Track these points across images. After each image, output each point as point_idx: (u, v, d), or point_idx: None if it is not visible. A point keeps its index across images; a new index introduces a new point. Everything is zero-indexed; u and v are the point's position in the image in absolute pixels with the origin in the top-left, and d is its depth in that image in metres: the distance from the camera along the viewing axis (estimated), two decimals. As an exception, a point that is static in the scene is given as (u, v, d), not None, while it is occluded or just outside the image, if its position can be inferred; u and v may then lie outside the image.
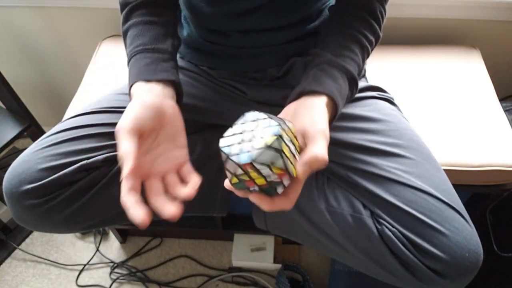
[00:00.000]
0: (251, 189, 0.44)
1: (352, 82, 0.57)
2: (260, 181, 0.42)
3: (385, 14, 0.63)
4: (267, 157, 0.40)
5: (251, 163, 0.40)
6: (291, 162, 0.43)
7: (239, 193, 0.46)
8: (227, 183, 0.46)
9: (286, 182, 0.44)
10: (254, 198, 0.45)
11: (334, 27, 0.61)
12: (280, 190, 0.44)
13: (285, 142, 0.42)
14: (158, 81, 0.54)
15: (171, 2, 0.64)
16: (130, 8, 0.61)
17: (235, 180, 0.43)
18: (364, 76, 0.76)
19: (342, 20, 0.60)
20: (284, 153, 0.41)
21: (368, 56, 0.62)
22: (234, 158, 0.41)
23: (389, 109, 0.67)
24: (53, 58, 1.27)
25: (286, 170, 0.42)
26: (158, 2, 0.61)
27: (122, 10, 0.62)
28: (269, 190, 0.44)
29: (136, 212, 0.41)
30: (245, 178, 0.42)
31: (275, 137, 0.40)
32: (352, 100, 0.68)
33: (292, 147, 0.44)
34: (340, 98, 0.54)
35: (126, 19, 0.62)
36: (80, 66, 1.26)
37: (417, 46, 1.06)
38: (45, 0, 1.09)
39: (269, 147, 0.40)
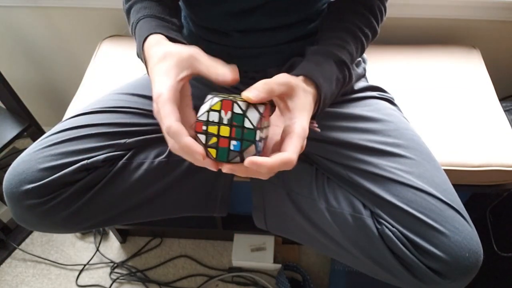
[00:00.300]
0: (232, 148, 0.43)
1: (341, 64, 0.56)
2: (225, 129, 0.43)
3: (384, 12, 0.62)
4: (208, 106, 0.43)
5: (197, 120, 0.43)
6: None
7: (227, 168, 0.44)
8: (226, 167, 0.44)
9: (253, 117, 0.43)
10: (243, 167, 0.43)
11: (328, 23, 0.61)
12: (248, 123, 0.43)
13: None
14: (170, 38, 0.54)
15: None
16: None
17: (212, 150, 0.43)
18: (364, 76, 0.76)
19: (337, 16, 0.61)
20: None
21: (363, 48, 0.61)
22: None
23: (389, 109, 0.67)
24: (53, 58, 1.27)
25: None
26: None
27: None
28: (246, 140, 0.43)
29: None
30: (213, 140, 0.43)
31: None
32: (352, 99, 0.68)
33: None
34: (323, 79, 0.52)
35: None
36: (80, 66, 1.26)
37: (417, 46, 1.06)
38: (45, 0, 1.09)
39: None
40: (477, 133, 0.86)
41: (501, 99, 0.97)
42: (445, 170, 0.62)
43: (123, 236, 1.27)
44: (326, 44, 0.57)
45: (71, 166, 0.57)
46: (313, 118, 0.53)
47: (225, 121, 0.43)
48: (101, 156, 0.59)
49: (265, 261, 1.14)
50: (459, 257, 0.52)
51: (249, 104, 0.44)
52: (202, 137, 0.43)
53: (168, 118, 0.43)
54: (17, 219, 0.60)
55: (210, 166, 0.44)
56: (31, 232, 1.31)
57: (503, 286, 0.97)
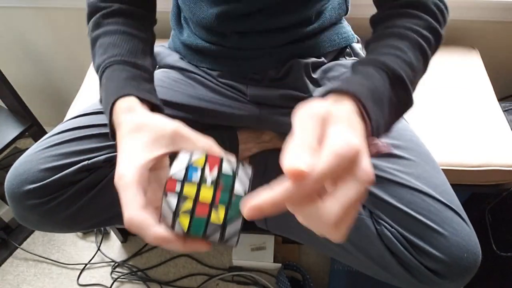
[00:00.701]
0: (212, 220, 0.33)
1: (396, 80, 0.44)
2: (206, 192, 0.34)
3: (446, 9, 0.52)
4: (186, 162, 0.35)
5: (170, 178, 0.34)
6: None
7: (199, 246, 0.35)
8: (195, 245, 0.35)
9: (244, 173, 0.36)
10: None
11: (375, 36, 0.51)
12: (239, 187, 0.35)
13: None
14: (143, 100, 0.48)
15: (148, 18, 0.62)
16: (102, 14, 0.57)
17: (184, 220, 0.33)
18: None
19: (383, 25, 0.51)
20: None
21: (425, 57, 0.48)
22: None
23: (388, 110, 0.67)
24: (55, 58, 1.28)
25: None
26: (135, 14, 0.59)
27: (91, 15, 0.58)
28: (228, 197, 0.34)
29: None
30: (187, 205, 0.33)
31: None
32: None
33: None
34: (370, 96, 0.39)
35: (97, 25, 0.57)
36: (81, 66, 1.27)
37: (417, 46, 1.06)
38: (46, 1, 1.10)
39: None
40: (476, 133, 0.86)
41: (500, 99, 0.97)
42: (444, 170, 0.62)
43: (124, 236, 1.27)
44: (376, 54, 0.46)
45: (72, 166, 0.57)
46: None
47: (208, 183, 0.34)
48: (102, 156, 0.60)
49: (265, 260, 1.15)
50: (457, 257, 0.52)
51: (239, 162, 0.36)
52: (172, 200, 0.33)
53: (129, 206, 0.35)
54: (19, 219, 0.61)
55: (197, 248, 0.35)
56: (32, 231, 1.31)
57: (503, 286, 0.97)
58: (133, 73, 0.51)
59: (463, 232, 0.54)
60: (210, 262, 1.24)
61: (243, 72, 0.69)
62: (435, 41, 0.50)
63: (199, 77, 0.71)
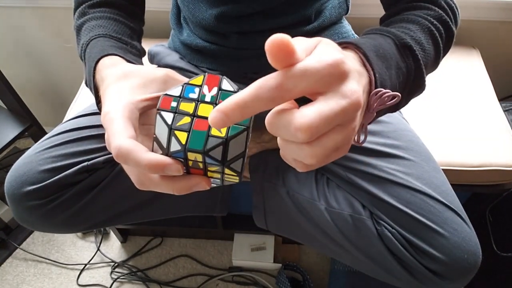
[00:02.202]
0: (212, 133, 0.30)
1: (403, 47, 0.42)
2: (205, 108, 0.31)
3: (456, 9, 0.52)
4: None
5: (165, 95, 0.31)
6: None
7: (198, 181, 0.33)
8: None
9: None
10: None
11: (383, 24, 0.51)
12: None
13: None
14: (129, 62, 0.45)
15: (136, 13, 0.61)
16: (89, 5, 0.56)
17: (181, 134, 0.30)
18: None
19: (392, 19, 0.51)
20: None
21: (438, 44, 0.47)
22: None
23: (388, 110, 0.67)
24: (55, 58, 1.27)
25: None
26: (123, 7, 0.58)
27: (77, 7, 0.57)
28: (236, 124, 0.30)
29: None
30: (185, 121, 0.31)
31: None
32: None
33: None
34: (373, 49, 0.38)
35: (82, 14, 0.55)
36: (81, 66, 1.26)
37: (417, 46, 1.06)
38: (45, 1, 1.10)
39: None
40: (477, 133, 0.86)
41: (501, 99, 0.97)
42: (444, 170, 0.62)
43: (123, 236, 1.27)
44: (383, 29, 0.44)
45: (72, 167, 0.57)
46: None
47: (207, 99, 0.31)
48: (101, 157, 0.60)
49: (265, 260, 1.14)
50: (457, 258, 0.52)
51: (240, 85, 0.33)
52: (168, 116, 0.30)
53: (117, 136, 0.31)
54: (19, 220, 0.61)
55: (196, 184, 0.32)
56: (32, 231, 1.31)
57: (503, 286, 0.97)
58: (119, 45, 0.49)
59: (463, 233, 0.54)
60: (210, 262, 1.24)
61: (243, 72, 0.69)
62: (446, 35, 0.49)
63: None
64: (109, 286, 1.20)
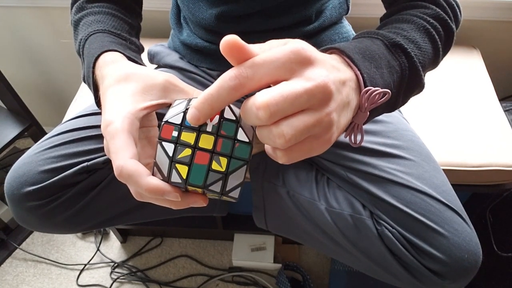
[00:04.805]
0: (213, 168, 0.31)
1: (393, 46, 0.42)
2: (206, 139, 0.31)
3: (457, 7, 0.51)
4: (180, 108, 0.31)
5: (166, 122, 0.31)
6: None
7: (196, 200, 0.33)
8: (194, 199, 0.33)
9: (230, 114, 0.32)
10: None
11: (379, 26, 0.51)
12: (241, 135, 0.31)
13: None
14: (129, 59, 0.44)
15: (134, 9, 0.60)
16: (86, 0, 0.55)
17: (182, 167, 0.30)
18: None
19: (387, 20, 0.51)
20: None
21: (435, 42, 0.46)
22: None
23: (388, 110, 0.67)
24: (54, 58, 1.27)
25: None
26: (121, 2, 0.57)
27: (74, 1, 0.57)
28: (236, 158, 0.31)
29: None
30: (186, 153, 0.30)
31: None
32: None
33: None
34: (358, 51, 0.37)
35: (80, 9, 0.55)
36: (81, 66, 1.26)
37: (417, 46, 1.06)
38: (45, 0, 1.10)
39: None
40: (477, 133, 0.86)
41: (501, 99, 0.97)
42: (445, 170, 0.62)
43: (123, 236, 1.27)
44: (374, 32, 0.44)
45: (72, 168, 0.57)
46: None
47: (209, 128, 0.31)
48: (101, 158, 0.59)
49: (265, 260, 1.14)
50: (458, 258, 0.52)
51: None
52: (169, 147, 0.30)
53: (119, 154, 0.32)
54: (18, 220, 0.61)
55: (194, 202, 0.33)
56: (31, 232, 1.31)
57: (503, 286, 0.97)
58: (118, 41, 0.48)
59: (464, 233, 0.53)
60: (210, 262, 1.24)
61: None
62: (445, 33, 0.48)
63: (198, 77, 0.71)
64: (109, 286, 1.20)
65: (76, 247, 1.28)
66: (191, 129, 0.31)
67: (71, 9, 0.58)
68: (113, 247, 1.28)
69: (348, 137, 0.38)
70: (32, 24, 1.17)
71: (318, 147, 0.30)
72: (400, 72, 0.41)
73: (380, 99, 0.35)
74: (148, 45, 0.75)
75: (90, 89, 0.45)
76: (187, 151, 0.30)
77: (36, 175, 0.56)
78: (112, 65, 0.41)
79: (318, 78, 0.28)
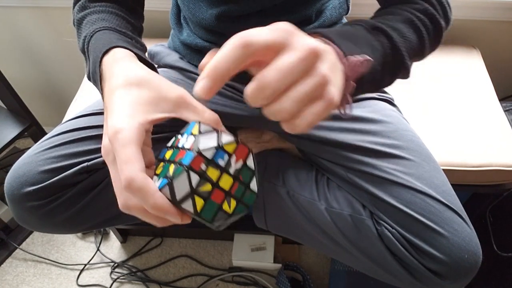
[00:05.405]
0: (223, 208, 0.33)
1: (373, 29, 0.44)
2: (226, 180, 0.33)
3: (448, 5, 0.53)
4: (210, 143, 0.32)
5: (199, 153, 0.31)
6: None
7: (185, 220, 0.34)
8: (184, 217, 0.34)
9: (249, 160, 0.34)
10: None
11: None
12: (254, 184, 0.34)
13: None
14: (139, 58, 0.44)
15: (136, 10, 0.60)
16: None
17: (199, 200, 0.32)
18: None
19: (376, 13, 0.53)
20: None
21: (421, 34, 0.49)
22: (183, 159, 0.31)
23: (389, 110, 0.68)
24: (54, 58, 1.27)
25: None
26: (124, 2, 0.58)
27: (77, 1, 0.57)
28: (243, 203, 0.34)
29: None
30: (207, 187, 0.32)
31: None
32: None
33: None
34: (336, 33, 0.39)
35: (83, 8, 0.55)
36: (81, 66, 1.26)
37: (417, 46, 1.06)
38: (45, 0, 1.10)
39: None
40: (477, 133, 0.86)
41: (501, 99, 0.97)
42: (445, 170, 0.62)
43: (123, 236, 1.27)
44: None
45: (72, 168, 0.57)
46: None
47: (231, 171, 0.32)
48: (101, 158, 0.59)
49: (265, 260, 1.14)
50: (458, 258, 0.52)
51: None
52: (194, 177, 0.31)
53: (130, 166, 0.32)
54: (18, 220, 0.60)
55: (177, 220, 0.33)
56: (31, 232, 1.31)
57: (503, 286, 0.97)
58: (125, 39, 0.48)
59: (463, 233, 0.53)
60: (210, 262, 1.24)
61: (242, 71, 0.69)
62: (433, 28, 0.50)
63: (198, 77, 0.71)
64: (109, 286, 1.20)
65: (76, 247, 1.28)
66: (217, 166, 0.32)
67: (73, 8, 0.58)
68: (113, 247, 1.28)
69: (338, 110, 0.39)
70: (32, 24, 1.17)
71: (326, 109, 0.31)
72: (382, 50, 0.43)
73: (363, 67, 0.37)
74: (148, 45, 0.75)
75: (96, 85, 0.45)
76: (208, 186, 0.31)
77: (36, 175, 0.56)
78: (123, 63, 0.41)
79: (307, 44, 0.30)
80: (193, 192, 0.31)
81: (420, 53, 0.51)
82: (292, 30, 0.31)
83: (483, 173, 0.82)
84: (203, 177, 0.31)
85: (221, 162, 0.32)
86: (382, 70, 0.43)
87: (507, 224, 0.96)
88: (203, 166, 0.31)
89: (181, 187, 0.31)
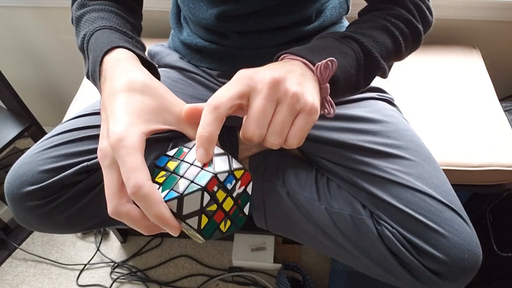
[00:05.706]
0: (220, 228, 0.36)
1: (343, 38, 0.47)
2: (229, 202, 0.35)
3: (427, 10, 0.55)
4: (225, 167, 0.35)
5: (215, 176, 0.33)
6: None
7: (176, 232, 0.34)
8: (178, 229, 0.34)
9: (249, 188, 0.37)
10: None
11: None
12: (246, 208, 0.37)
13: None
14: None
15: (135, 8, 0.60)
16: None
17: (205, 219, 0.34)
18: None
19: (350, 24, 0.56)
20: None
21: (396, 38, 0.51)
22: (197, 181, 0.33)
23: (389, 110, 0.68)
24: (54, 58, 1.27)
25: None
26: (123, 1, 0.57)
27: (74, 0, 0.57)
28: (235, 224, 0.37)
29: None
30: (213, 207, 0.34)
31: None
32: (351, 100, 0.68)
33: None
34: (304, 49, 0.43)
35: (82, 6, 0.54)
36: (81, 66, 1.26)
37: (417, 46, 1.06)
38: (45, 0, 1.10)
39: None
40: (477, 133, 0.86)
41: (501, 99, 0.97)
42: (445, 170, 0.62)
43: (123, 236, 1.27)
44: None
45: (72, 168, 0.57)
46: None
47: (234, 194, 0.35)
48: (101, 158, 0.59)
49: (265, 260, 1.14)
50: (458, 258, 0.52)
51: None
52: (207, 198, 0.33)
53: (138, 173, 0.32)
54: (18, 220, 0.60)
55: (173, 231, 0.33)
56: (31, 231, 1.31)
57: (503, 286, 0.97)
58: (125, 38, 0.48)
59: (464, 233, 0.53)
60: (210, 262, 1.24)
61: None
62: (410, 32, 0.52)
63: (199, 77, 0.71)
64: (109, 286, 1.20)
65: (76, 247, 1.28)
66: (225, 189, 0.34)
67: (72, 5, 0.58)
68: (113, 247, 1.28)
69: (322, 112, 0.42)
70: (32, 24, 1.17)
71: (308, 119, 0.35)
72: (354, 55, 0.46)
73: (331, 69, 0.39)
74: (148, 45, 0.75)
75: (96, 84, 0.45)
76: (214, 207, 0.34)
77: (36, 175, 0.56)
78: (125, 65, 0.41)
79: (266, 79, 0.34)
80: (201, 210, 0.33)
81: (397, 55, 0.53)
82: (250, 73, 0.35)
83: (483, 173, 0.82)
84: (213, 198, 0.33)
85: (229, 186, 0.34)
86: (357, 73, 0.47)
87: (507, 224, 0.96)
88: (215, 188, 0.33)
89: (191, 204, 0.33)
